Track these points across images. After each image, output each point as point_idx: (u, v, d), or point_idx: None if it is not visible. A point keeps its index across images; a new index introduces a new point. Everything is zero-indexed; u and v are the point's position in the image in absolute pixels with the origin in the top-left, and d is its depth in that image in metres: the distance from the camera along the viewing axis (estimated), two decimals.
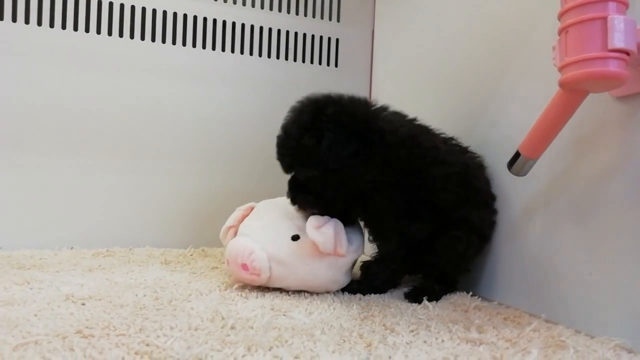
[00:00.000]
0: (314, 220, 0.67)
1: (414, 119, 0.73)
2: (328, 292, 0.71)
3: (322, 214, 0.69)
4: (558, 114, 0.54)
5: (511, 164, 0.61)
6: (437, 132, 0.74)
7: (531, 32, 0.68)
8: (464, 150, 0.75)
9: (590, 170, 0.59)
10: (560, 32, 0.51)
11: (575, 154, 0.61)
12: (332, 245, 0.66)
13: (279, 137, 0.70)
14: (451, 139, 0.75)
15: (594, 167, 0.59)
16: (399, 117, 0.72)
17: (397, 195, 0.69)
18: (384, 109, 0.71)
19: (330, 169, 0.65)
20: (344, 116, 0.65)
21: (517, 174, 0.62)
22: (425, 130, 0.73)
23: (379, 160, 0.66)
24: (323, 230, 0.66)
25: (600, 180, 0.58)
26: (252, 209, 0.77)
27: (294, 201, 0.70)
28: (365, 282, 0.72)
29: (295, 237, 0.69)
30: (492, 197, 0.74)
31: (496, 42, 0.75)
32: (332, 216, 0.68)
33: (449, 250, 0.70)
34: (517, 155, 0.60)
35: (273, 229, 0.70)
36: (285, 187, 0.72)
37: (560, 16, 0.51)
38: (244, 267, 0.66)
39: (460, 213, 0.70)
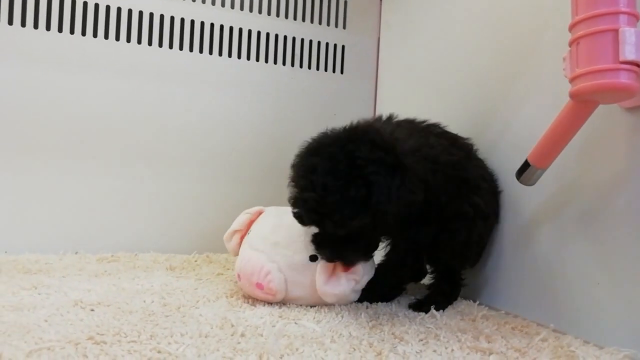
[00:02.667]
0: (323, 276, 0.66)
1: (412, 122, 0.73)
2: None
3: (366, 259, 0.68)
4: (568, 125, 0.55)
5: (520, 173, 0.62)
6: (421, 122, 0.73)
7: (540, 40, 0.69)
8: (453, 141, 0.73)
9: (599, 180, 0.59)
10: (571, 43, 0.52)
11: (584, 164, 0.61)
12: (350, 292, 0.67)
13: (311, 194, 0.59)
14: (436, 126, 0.74)
15: (603, 177, 0.59)
16: (406, 129, 0.71)
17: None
18: (393, 124, 0.71)
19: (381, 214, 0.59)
20: (381, 152, 0.59)
21: (526, 184, 0.62)
22: (423, 137, 0.71)
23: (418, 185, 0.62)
24: (336, 286, 0.66)
25: (609, 190, 0.58)
26: (259, 213, 0.75)
27: (339, 258, 0.65)
28: (372, 290, 0.72)
29: (313, 258, 0.67)
30: (484, 179, 0.73)
31: (505, 49, 0.76)
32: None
33: (451, 244, 0.70)
34: (526, 164, 0.61)
35: (289, 246, 0.67)
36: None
37: (571, 28, 0.52)
38: (259, 286, 0.65)
39: (453, 207, 0.69)
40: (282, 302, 0.68)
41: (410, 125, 0.72)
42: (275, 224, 0.71)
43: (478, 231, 0.72)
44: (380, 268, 0.74)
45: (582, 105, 0.52)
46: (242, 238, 0.75)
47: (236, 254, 0.75)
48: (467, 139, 0.75)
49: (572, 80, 0.51)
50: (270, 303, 0.67)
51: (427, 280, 0.78)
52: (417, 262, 0.77)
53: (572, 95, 0.52)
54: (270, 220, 0.73)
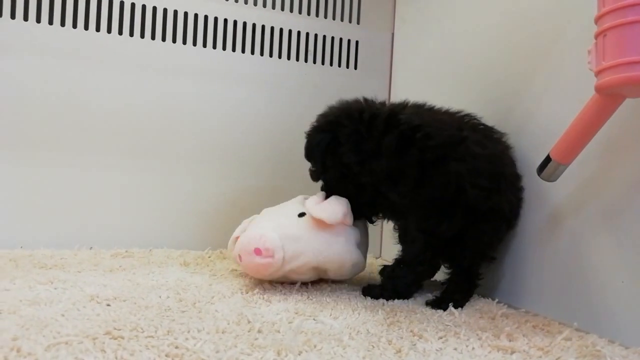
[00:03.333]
0: (314, 198, 0.73)
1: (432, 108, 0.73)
2: (349, 297, 0.70)
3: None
4: (593, 119, 0.53)
5: (541, 169, 0.60)
6: (464, 115, 0.72)
7: (562, 32, 0.67)
8: (489, 135, 0.72)
9: (623, 176, 0.58)
10: (597, 36, 0.50)
11: (607, 159, 0.60)
12: (338, 214, 0.69)
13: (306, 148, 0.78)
14: (476, 120, 0.72)
15: (628, 172, 0.57)
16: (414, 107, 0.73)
17: (419, 193, 0.68)
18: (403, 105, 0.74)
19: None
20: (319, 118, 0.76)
21: (548, 180, 0.61)
22: (441, 118, 0.71)
23: (388, 153, 0.69)
24: (325, 206, 0.70)
25: (633, 187, 0.57)
26: None
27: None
28: (389, 287, 0.71)
29: (301, 214, 0.71)
30: (518, 177, 0.72)
31: (524, 43, 0.74)
32: (356, 211, 0.74)
33: (478, 244, 0.70)
34: (547, 160, 0.59)
35: (277, 215, 0.73)
36: (303, 188, 0.80)
37: (598, 20, 0.50)
38: (257, 251, 0.67)
39: (490, 204, 0.67)
40: (298, 297, 0.67)
41: (447, 116, 0.73)
42: (265, 212, 0.77)
43: (503, 232, 0.71)
44: (397, 264, 0.74)
45: (608, 99, 0.51)
46: None
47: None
48: (501, 133, 0.73)
49: (597, 73, 0.50)
50: (285, 299, 0.66)
51: (440, 275, 0.78)
52: (435, 258, 0.76)
53: (598, 89, 0.50)
54: (262, 213, 0.77)
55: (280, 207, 0.77)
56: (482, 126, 0.72)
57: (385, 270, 0.77)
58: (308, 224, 0.70)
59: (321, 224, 0.70)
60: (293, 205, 0.75)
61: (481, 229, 0.68)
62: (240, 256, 0.70)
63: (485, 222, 0.68)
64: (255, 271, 0.69)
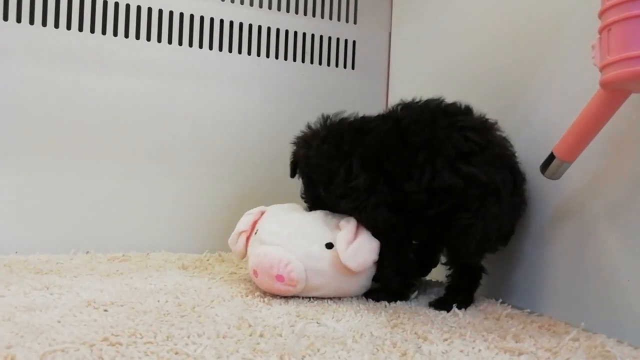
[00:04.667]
0: (345, 234, 0.66)
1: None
2: (351, 298, 0.70)
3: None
4: (597, 115, 0.53)
5: (545, 166, 0.60)
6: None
7: (563, 28, 0.67)
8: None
9: (628, 173, 0.57)
10: (601, 30, 0.49)
11: (611, 156, 0.59)
12: (367, 263, 0.66)
13: None
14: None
15: (632, 170, 0.57)
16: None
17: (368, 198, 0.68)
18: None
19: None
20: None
21: (551, 177, 0.60)
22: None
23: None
24: (355, 252, 0.65)
25: (638, 184, 0.56)
26: (261, 213, 0.76)
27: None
28: (384, 288, 0.70)
29: (329, 245, 0.67)
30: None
31: (525, 40, 0.74)
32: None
33: (465, 239, 0.65)
34: (551, 157, 0.59)
35: (303, 237, 0.68)
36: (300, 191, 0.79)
37: (602, 14, 0.50)
38: (279, 278, 0.65)
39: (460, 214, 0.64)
40: (299, 299, 0.66)
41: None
42: (283, 219, 0.71)
43: (497, 207, 0.65)
44: (382, 267, 0.72)
45: (613, 94, 0.50)
46: (247, 239, 0.74)
47: (243, 256, 0.75)
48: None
49: (602, 68, 0.49)
50: (286, 302, 0.65)
51: (436, 276, 0.76)
52: (420, 256, 0.76)
53: (603, 84, 0.50)
54: (276, 216, 0.73)
55: (300, 217, 0.72)
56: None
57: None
58: (334, 260, 0.66)
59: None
60: (318, 224, 0.69)
61: (462, 225, 0.64)
62: (256, 272, 0.67)
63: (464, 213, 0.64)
64: (271, 290, 0.67)
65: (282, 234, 0.68)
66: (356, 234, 0.67)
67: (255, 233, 0.73)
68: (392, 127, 0.68)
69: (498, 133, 0.69)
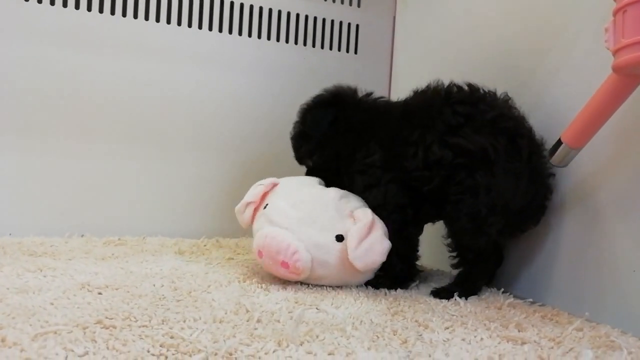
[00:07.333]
0: (358, 230, 0.63)
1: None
2: (351, 286, 0.68)
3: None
4: (608, 101, 0.51)
5: (552, 153, 0.58)
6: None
7: (575, 10, 0.65)
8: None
9: (635, 162, 0.56)
10: (616, 12, 0.48)
11: (619, 144, 0.58)
12: (375, 264, 0.64)
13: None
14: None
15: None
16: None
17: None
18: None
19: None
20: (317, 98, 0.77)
21: (558, 165, 0.58)
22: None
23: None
24: (364, 252, 0.63)
25: None
26: (273, 185, 0.72)
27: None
28: (386, 274, 0.69)
29: (339, 238, 0.64)
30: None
31: (533, 24, 0.72)
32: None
33: (457, 214, 0.63)
34: (558, 143, 0.57)
35: (314, 225, 0.65)
36: (301, 174, 0.79)
37: None
38: (284, 264, 0.63)
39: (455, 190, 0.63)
40: (298, 285, 0.65)
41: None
42: (295, 199, 0.68)
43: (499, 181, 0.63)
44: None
45: (626, 79, 0.49)
46: (255, 210, 0.72)
47: (248, 225, 0.72)
48: None
49: (615, 52, 0.48)
50: (284, 288, 0.64)
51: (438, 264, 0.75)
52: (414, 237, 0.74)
53: (616, 68, 0.48)
54: (288, 193, 0.70)
55: (313, 198, 0.68)
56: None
57: None
58: (342, 255, 0.64)
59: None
60: (330, 210, 0.66)
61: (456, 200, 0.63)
62: (261, 253, 0.65)
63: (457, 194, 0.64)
64: (273, 273, 0.66)
65: (292, 217, 0.66)
66: (369, 230, 0.64)
67: (265, 207, 0.69)
68: (402, 110, 0.71)
69: (499, 101, 0.67)
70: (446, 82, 0.70)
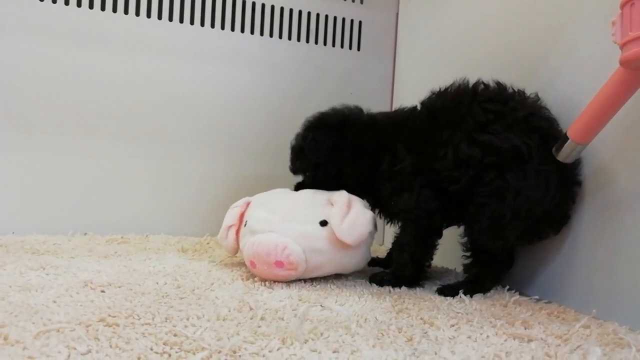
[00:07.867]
0: (337, 210, 0.65)
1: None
2: (354, 282, 0.68)
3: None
4: (615, 95, 0.50)
5: (558, 148, 0.57)
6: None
7: (580, 5, 0.64)
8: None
9: None
10: (623, 5, 0.47)
11: (627, 139, 0.57)
12: (363, 235, 0.65)
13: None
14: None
15: None
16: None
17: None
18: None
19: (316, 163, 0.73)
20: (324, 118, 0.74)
21: (564, 160, 0.58)
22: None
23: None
24: (350, 225, 0.64)
25: None
26: (247, 204, 0.73)
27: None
28: (394, 273, 0.69)
29: (323, 223, 0.66)
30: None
31: (538, 18, 0.71)
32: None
33: (479, 216, 0.62)
34: (564, 139, 0.56)
35: (295, 219, 0.66)
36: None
37: None
38: (279, 264, 0.63)
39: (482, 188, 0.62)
40: (301, 283, 0.65)
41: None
42: (270, 206, 0.70)
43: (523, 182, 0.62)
44: (394, 249, 0.71)
45: (634, 73, 0.48)
46: (237, 232, 0.72)
47: (235, 251, 0.73)
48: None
49: (623, 45, 0.47)
50: (288, 285, 0.64)
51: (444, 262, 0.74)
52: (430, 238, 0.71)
53: (624, 62, 0.47)
54: (263, 203, 0.71)
55: (288, 200, 0.70)
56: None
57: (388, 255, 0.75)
58: (331, 237, 0.65)
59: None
60: (307, 204, 0.68)
61: (479, 205, 0.62)
62: (253, 263, 0.65)
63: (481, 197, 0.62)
64: (273, 278, 0.65)
65: (273, 220, 0.67)
66: (349, 207, 0.66)
67: (245, 225, 0.70)
68: (426, 112, 0.70)
69: (529, 100, 0.65)
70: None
